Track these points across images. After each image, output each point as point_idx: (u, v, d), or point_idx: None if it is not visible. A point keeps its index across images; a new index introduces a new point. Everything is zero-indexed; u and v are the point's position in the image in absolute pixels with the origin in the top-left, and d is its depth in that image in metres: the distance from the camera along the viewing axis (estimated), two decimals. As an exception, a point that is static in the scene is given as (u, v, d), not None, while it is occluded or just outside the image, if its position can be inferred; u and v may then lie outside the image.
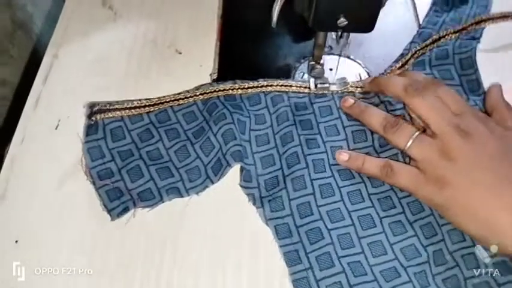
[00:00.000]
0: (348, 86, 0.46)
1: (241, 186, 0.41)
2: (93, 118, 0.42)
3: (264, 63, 0.49)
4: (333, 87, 0.45)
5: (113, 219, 0.38)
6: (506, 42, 0.48)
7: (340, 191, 0.40)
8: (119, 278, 0.37)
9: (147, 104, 0.44)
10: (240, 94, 0.45)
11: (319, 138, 0.43)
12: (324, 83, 0.45)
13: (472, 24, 0.48)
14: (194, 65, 0.48)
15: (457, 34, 0.48)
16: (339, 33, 0.43)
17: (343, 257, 0.37)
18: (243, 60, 0.49)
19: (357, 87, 0.46)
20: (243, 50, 0.50)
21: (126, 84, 0.46)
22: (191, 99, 0.44)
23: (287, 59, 0.48)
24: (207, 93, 0.45)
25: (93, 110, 0.42)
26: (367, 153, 0.42)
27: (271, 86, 0.45)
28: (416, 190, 0.38)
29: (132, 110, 0.43)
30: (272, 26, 0.41)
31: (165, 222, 0.39)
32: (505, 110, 0.42)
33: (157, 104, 0.44)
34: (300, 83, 0.46)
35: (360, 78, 0.47)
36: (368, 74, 0.47)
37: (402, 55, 0.48)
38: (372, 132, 0.42)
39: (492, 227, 0.35)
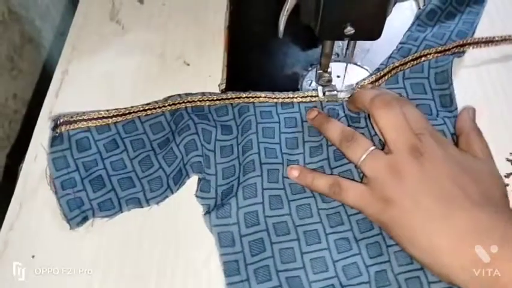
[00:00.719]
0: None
1: (197, 196, 0.41)
2: (57, 130, 0.42)
3: (272, 72, 0.49)
4: (341, 95, 0.46)
5: (72, 228, 0.39)
6: (491, 57, 0.49)
7: (289, 204, 0.40)
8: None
9: (115, 114, 0.44)
10: (209, 105, 0.45)
11: (278, 148, 0.43)
12: (332, 91, 0.46)
13: (455, 47, 0.47)
14: (203, 76, 0.48)
15: (439, 54, 0.47)
16: (346, 44, 0.43)
17: (282, 271, 0.37)
18: (251, 69, 0.50)
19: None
20: (251, 59, 0.50)
21: (136, 96, 0.46)
22: (159, 110, 0.45)
23: (294, 67, 0.48)
24: (175, 104, 0.45)
25: (58, 122, 0.42)
26: (321, 167, 0.42)
27: (239, 98, 0.45)
28: (363, 208, 0.38)
29: (99, 121, 0.43)
30: (279, 36, 0.42)
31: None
32: (472, 136, 0.41)
33: (126, 114, 0.44)
34: (305, 92, 0.46)
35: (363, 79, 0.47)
36: (369, 74, 0.47)
37: (378, 69, 0.47)
38: (328, 147, 0.42)
39: (432, 252, 0.34)
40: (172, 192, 0.41)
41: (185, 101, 0.45)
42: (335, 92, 0.46)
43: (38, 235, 0.39)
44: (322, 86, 0.46)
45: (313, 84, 0.47)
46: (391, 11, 0.40)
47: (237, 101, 0.45)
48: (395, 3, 0.40)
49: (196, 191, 0.41)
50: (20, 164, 0.42)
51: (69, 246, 0.39)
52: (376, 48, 0.49)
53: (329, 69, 0.45)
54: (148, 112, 0.44)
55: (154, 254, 0.38)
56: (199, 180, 0.42)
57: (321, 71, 0.45)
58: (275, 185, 0.41)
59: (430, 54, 0.46)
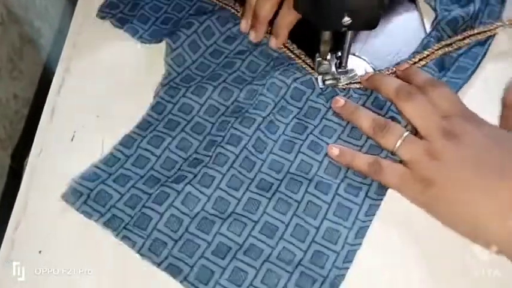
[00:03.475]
0: (355, 80, 0.46)
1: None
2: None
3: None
4: (342, 81, 0.46)
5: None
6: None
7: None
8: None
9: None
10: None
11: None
12: (332, 79, 0.46)
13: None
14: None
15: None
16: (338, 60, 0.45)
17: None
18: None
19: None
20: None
21: (137, 91, 0.46)
22: None
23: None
24: None
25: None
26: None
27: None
28: (402, 188, 0.39)
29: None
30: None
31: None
32: None
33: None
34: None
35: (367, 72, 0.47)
36: (374, 69, 0.48)
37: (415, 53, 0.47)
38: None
39: (478, 223, 0.36)
40: None
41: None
42: (335, 81, 0.46)
43: (44, 231, 0.39)
44: (321, 74, 0.46)
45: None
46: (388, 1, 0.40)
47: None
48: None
49: None
50: (25, 160, 0.43)
51: (74, 243, 0.39)
52: (374, 38, 0.50)
53: (328, 58, 0.46)
54: None
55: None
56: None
57: (320, 59, 0.46)
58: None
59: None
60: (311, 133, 0.43)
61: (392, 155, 0.41)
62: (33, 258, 0.38)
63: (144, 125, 0.44)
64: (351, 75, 0.46)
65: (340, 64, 0.46)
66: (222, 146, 0.42)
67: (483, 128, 0.39)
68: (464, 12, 0.49)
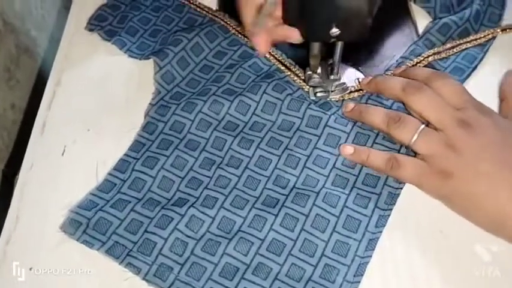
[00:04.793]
0: (347, 92, 0.46)
1: None
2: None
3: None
4: (333, 95, 0.46)
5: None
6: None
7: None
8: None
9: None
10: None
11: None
12: (323, 91, 0.46)
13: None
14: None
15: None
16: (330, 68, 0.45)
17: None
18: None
19: (357, 90, 0.46)
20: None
21: (129, 106, 0.47)
22: None
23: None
24: None
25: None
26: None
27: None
28: (421, 182, 0.39)
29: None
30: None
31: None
32: None
33: None
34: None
35: (359, 83, 0.47)
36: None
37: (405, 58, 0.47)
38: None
39: (499, 216, 0.35)
40: None
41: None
42: (326, 93, 0.46)
43: (37, 244, 0.39)
44: (312, 87, 0.46)
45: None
46: (376, 9, 0.40)
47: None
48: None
49: None
50: (16, 175, 0.43)
51: (69, 248, 0.39)
52: (366, 47, 0.49)
53: (318, 70, 0.45)
54: None
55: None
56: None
57: (311, 72, 0.45)
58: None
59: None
60: (315, 147, 0.43)
61: (406, 148, 0.41)
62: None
63: (136, 147, 0.43)
64: (342, 87, 0.46)
65: (332, 71, 0.46)
66: (223, 168, 0.42)
67: (496, 120, 0.39)
68: (457, 17, 0.48)
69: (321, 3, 0.38)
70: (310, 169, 0.41)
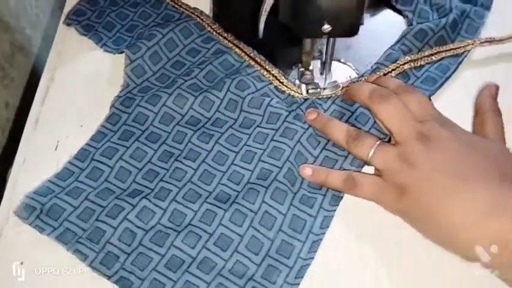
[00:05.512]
0: (340, 89, 0.46)
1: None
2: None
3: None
4: (325, 92, 0.46)
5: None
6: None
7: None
8: None
9: None
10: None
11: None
12: (315, 88, 0.46)
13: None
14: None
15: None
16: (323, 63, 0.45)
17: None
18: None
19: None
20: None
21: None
22: None
23: (278, 66, 0.48)
24: None
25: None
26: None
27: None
28: (379, 199, 0.39)
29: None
30: (259, 36, 0.43)
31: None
32: (489, 116, 0.41)
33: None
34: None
35: (351, 80, 0.47)
36: (358, 75, 0.48)
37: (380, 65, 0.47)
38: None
39: (450, 230, 0.35)
40: None
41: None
42: (318, 90, 0.46)
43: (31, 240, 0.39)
44: (305, 84, 0.46)
45: (297, 82, 0.47)
46: (365, 9, 0.40)
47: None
48: None
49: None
50: (9, 170, 0.43)
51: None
52: (358, 44, 0.50)
53: (311, 67, 0.46)
54: None
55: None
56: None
57: (303, 69, 0.46)
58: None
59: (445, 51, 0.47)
60: (272, 139, 0.43)
61: (367, 165, 0.41)
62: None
63: (98, 137, 0.43)
64: (334, 84, 0.46)
65: (324, 64, 0.46)
66: (180, 161, 0.42)
67: (457, 134, 0.39)
68: (433, 23, 0.48)
69: (313, 0, 0.38)
70: (265, 162, 0.42)
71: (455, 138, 0.38)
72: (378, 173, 0.39)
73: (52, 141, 0.44)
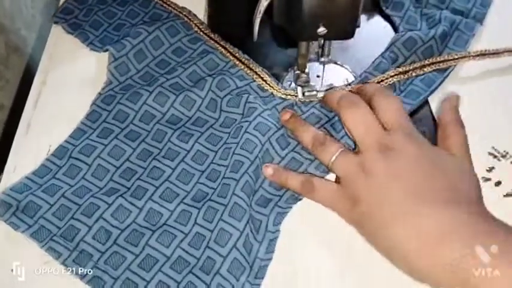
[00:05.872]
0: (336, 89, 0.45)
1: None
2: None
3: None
4: (321, 94, 0.45)
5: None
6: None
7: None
8: None
9: None
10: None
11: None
12: (311, 91, 0.45)
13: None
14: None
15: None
16: (321, 47, 0.43)
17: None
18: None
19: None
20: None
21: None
22: None
23: (274, 68, 0.48)
24: None
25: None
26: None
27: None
28: (334, 206, 0.38)
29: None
30: (254, 39, 0.42)
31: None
32: (451, 128, 0.40)
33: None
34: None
35: (348, 82, 0.47)
36: (355, 77, 0.47)
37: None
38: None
39: (399, 251, 0.34)
40: None
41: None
42: (314, 92, 0.45)
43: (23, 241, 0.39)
44: (300, 86, 0.45)
45: (293, 85, 0.47)
46: (361, 11, 0.40)
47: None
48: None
49: None
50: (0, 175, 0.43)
51: None
52: (354, 46, 0.49)
53: (306, 70, 0.45)
54: None
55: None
56: None
57: (299, 72, 0.45)
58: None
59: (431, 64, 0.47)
60: (245, 131, 0.42)
61: (330, 171, 0.41)
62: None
63: (77, 134, 0.43)
64: (329, 87, 0.46)
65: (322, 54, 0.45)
66: (158, 160, 0.42)
67: (422, 148, 0.37)
68: (423, 33, 0.47)
69: (308, 3, 0.38)
70: (238, 154, 0.41)
71: (418, 152, 0.37)
72: (338, 180, 0.39)
73: (44, 145, 0.44)
